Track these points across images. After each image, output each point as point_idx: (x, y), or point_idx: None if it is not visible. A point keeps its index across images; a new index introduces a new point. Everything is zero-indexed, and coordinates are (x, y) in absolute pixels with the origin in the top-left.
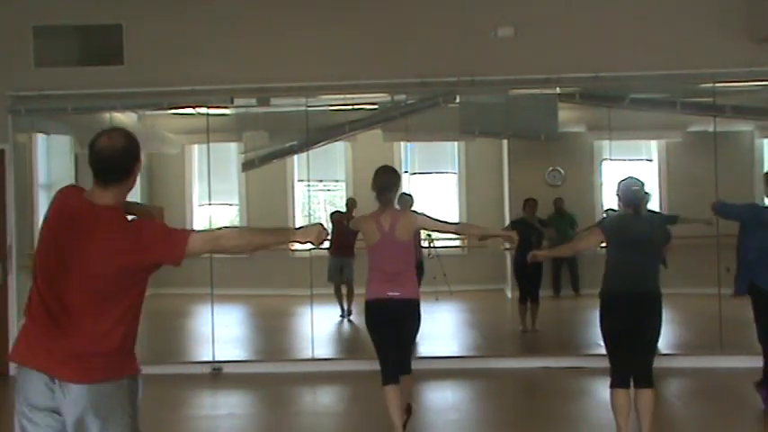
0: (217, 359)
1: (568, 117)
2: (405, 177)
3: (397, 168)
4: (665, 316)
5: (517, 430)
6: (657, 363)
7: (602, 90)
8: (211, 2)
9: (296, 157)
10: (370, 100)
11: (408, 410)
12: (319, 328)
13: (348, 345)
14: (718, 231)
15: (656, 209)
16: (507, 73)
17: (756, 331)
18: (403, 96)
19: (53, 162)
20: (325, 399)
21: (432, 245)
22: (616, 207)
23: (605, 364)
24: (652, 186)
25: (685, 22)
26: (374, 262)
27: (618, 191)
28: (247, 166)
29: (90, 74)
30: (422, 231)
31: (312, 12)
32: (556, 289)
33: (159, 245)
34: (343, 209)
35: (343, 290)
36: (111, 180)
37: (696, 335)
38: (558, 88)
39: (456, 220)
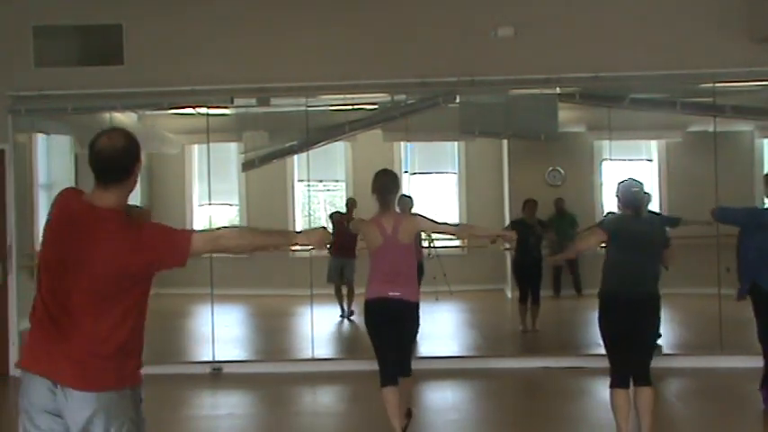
0: (217, 359)
1: (568, 117)
2: (405, 177)
3: (397, 168)
4: (666, 316)
5: (517, 430)
6: (657, 363)
7: (602, 90)
8: (211, 2)
9: (296, 157)
10: (370, 100)
11: (409, 415)
12: (319, 328)
13: (348, 345)
14: (718, 231)
15: (657, 209)
16: (507, 73)
17: (757, 331)
18: (403, 96)
19: (53, 162)
20: (325, 399)
21: (432, 245)
22: (615, 208)
23: (605, 364)
24: (652, 186)
25: (685, 22)
26: (376, 265)
27: (617, 192)
28: (247, 166)
29: (90, 74)
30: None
31: (312, 12)
32: (556, 289)
33: (161, 246)
34: (343, 209)
35: (344, 290)
36: (111, 180)
37: (696, 335)
38: (558, 88)
39: (456, 221)
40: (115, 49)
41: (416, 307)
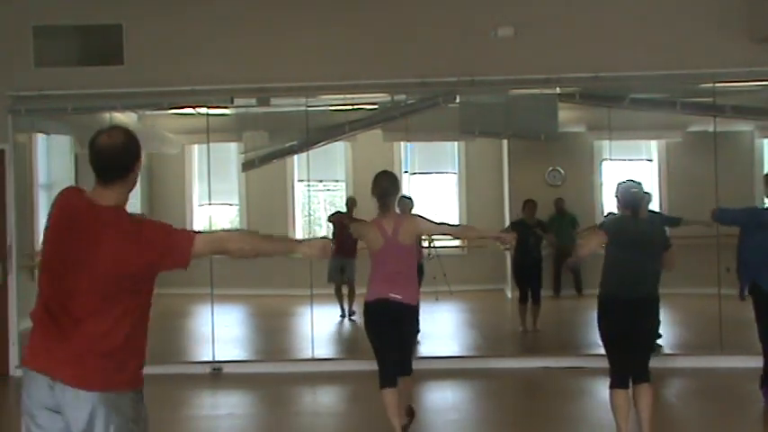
0: (217, 359)
1: (568, 117)
2: (405, 177)
3: (397, 168)
4: (666, 316)
5: (517, 430)
6: (657, 363)
7: (602, 90)
8: (211, 2)
9: (296, 157)
10: (370, 100)
11: (410, 413)
12: (319, 328)
13: (348, 345)
14: (718, 231)
15: (657, 209)
16: (507, 73)
17: (758, 331)
18: (403, 96)
19: (53, 162)
20: (325, 399)
21: (432, 245)
22: (615, 209)
23: (605, 364)
24: (652, 186)
25: (685, 22)
26: (377, 266)
27: (617, 193)
28: (247, 166)
29: (90, 74)
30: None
31: (312, 12)
32: (556, 289)
33: (162, 246)
34: (343, 209)
35: (345, 290)
36: (111, 178)
37: (696, 335)
38: (558, 88)
39: (456, 222)
40: (115, 49)
41: (416, 310)
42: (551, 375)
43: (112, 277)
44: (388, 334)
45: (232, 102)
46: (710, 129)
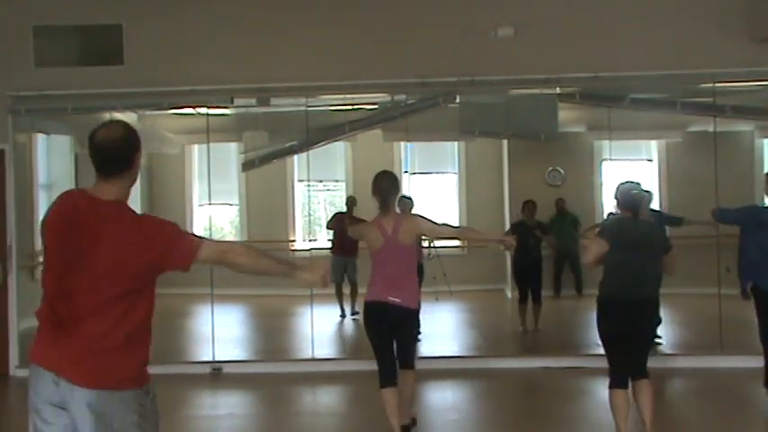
0: (217, 359)
1: (568, 117)
2: (405, 177)
3: (397, 168)
4: (666, 316)
5: (517, 430)
6: (658, 363)
7: (602, 90)
8: (211, 2)
9: (296, 157)
10: (370, 100)
11: (413, 422)
12: (319, 328)
13: (348, 345)
14: (718, 231)
15: (658, 209)
16: (507, 73)
17: (759, 331)
18: (403, 96)
19: (53, 162)
20: (325, 399)
21: (432, 245)
22: (615, 210)
23: (605, 364)
24: (652, 186)
25: (685, 22)
26: (377, 266)
27: (617, 194)
28: (247, 166)
29: (90, 74)
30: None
31: (312, 12)
32: (556, 289)
33: (163, 247)
34: (343, 209)
35: (346, 290)
36: (111, 171)
37: (696, 335)
38: (558, 88)
39: (456, 223)
40: (115, 49)
41: (416, 313)
42: (551, 375)
43: (113, 277)
44: (386, 336)
45: (232, 102)
46: (710, 129)
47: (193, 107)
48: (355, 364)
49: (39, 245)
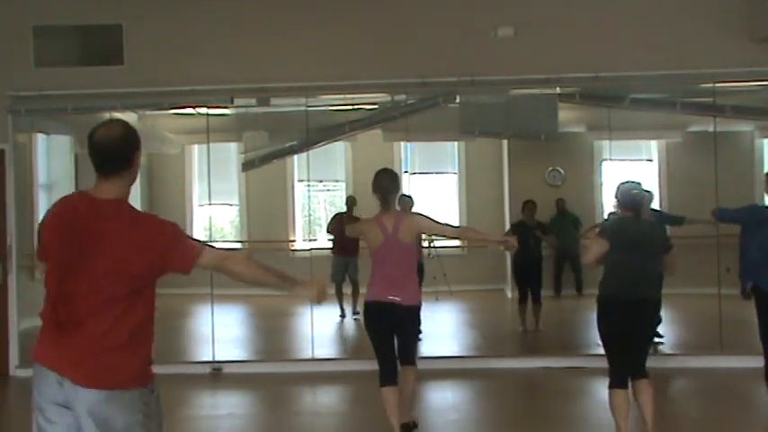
0: (217, 359)
1: (568, 117)
2: (405, 177)
3: (397, 168)
4: (666, 316)
5: (517, 430)
6: (658, 363)
7: (602, 90)
8: (211, 2)
9: (296, 157)
10: (370, 100)
11: (414, 425)
12: (319, 328)
13: (348, 345)
14: (718, 231)
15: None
16: (507, 73)
17: (759, 331)
18: (403, 96)
19: (53, 162)
20: (325, 399)
21: (432, 245)
22: (615, 209)
23: (605, 364)
24: (652, 186)
25: (685, 22)
26: (377, 264)
27: (617, 194)
28: (247, 166)
29: (90, 74)
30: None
31: (312, 12)
32: (556, 289)
33: (162, 245)
34: (344, 209)
35: (346, 290)
36: (110, 170)
37: (696, 335)
38: (558, 88)
39: (456, 223)
40: (115, 49)
41: (417, 310)
42: (551, 375)
43: (113, 276)
44: (387, 336)
45: (232, 102)
46: (710, 129)
47: (193, 107)
48: (355, 364)
49: (36, 245)
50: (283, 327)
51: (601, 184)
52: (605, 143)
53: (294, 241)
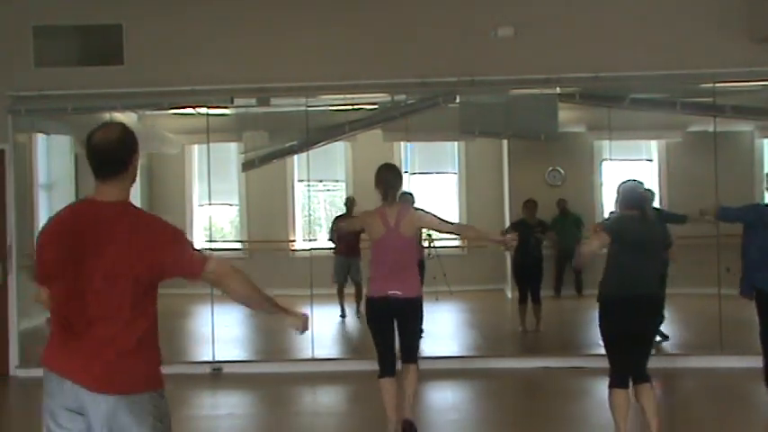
0: (217, 359)
1: (568, 117)
2: (405, 177)
3: None
4: (667, 316)
5: (517, 430)
6: (658, 363)
7: (602, 90)
8: (211, 2)
9: (296, 157)
10: (370, 100)
11: (413, 428)
12: (319, 328)
13: (348, 345)
14: (719, 231)
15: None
16: (507, 73)
17: (759, 331)
18: (403, 96)
19: (53, 162)
20: (325, 399)
21: (432, 245)
22: (615, 208)
23: (605, 364)
24: (652, 186)
25: (685, 22)
26: (378, 257)
27: (618, 193)
28: (247, 166)
29: (90, 74)
30: (422, 231)
31: (312, 12)
32: (557, 289)
33: (163, 247)
34: (343, 209)
35: (348, 290)
36: (109, 173)
37: (696, 335)
38: (558, 88)
39: (456, 221)
40: (115, 49)
41: (419, 301)
42: (551, 375)
43: (116, 278)
44: (387, 330)
45: (232, 102)
46: (710, 129)
47: (193, 107)
48: (355, 364)
49: (34, 270)
50: (283, 327)
51: (601, 184)
52: (605, 143)
53: (294, 241)
